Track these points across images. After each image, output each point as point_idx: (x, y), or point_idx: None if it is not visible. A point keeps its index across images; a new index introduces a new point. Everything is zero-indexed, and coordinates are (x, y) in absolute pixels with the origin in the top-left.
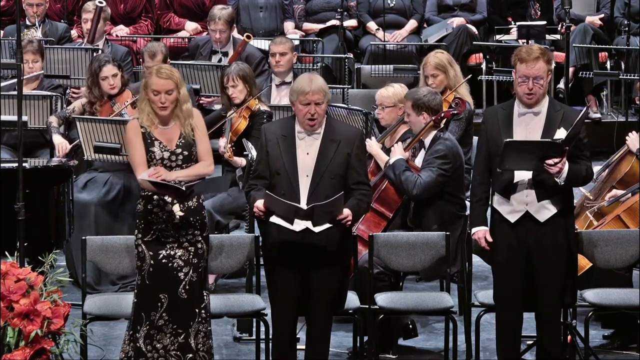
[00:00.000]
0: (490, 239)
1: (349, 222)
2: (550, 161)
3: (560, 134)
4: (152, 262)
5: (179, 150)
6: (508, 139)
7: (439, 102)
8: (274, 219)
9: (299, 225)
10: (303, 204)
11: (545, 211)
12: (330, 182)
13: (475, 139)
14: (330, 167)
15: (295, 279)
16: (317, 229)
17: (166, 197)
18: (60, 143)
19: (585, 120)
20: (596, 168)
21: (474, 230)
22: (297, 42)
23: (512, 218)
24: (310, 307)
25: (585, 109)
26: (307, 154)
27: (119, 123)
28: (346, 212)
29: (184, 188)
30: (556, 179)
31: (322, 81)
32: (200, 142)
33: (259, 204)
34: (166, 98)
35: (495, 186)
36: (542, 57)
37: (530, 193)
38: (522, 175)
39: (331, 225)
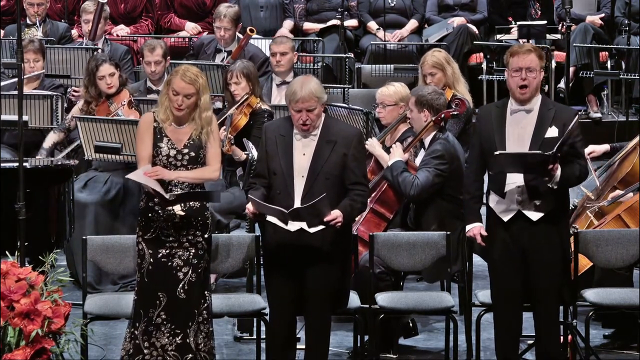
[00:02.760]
0: (485, 234)
1: (339, 223)
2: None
3: (552, 132)
4: (151, 260)
5: (185, 151)
6: (497, 152)
7: (442, 102)
8: (270, 218)
9: (293, 225)
10: (297, 205)
11: (538, 210)
12: (326, 183)
13: None
14: (325, 167)
15: (293, 279)
16: (312, 230)
17: None
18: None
19: (583, 120)
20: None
21: (468, 227)
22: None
23: (505, 217)
24: (308, 307)
25: (577, 116)
26: (304, 154)
27: (119, 123)
28: (335, 213)
29: (167, 196)
30: (549, 185)
31: (314, 85)
32: (211, 147)
33: (249, 206)
34: (183, 101)
35: (490, 185)
36: (534, 51)
37: (523, 192)
38: (516, 175)
39: (324, 226)
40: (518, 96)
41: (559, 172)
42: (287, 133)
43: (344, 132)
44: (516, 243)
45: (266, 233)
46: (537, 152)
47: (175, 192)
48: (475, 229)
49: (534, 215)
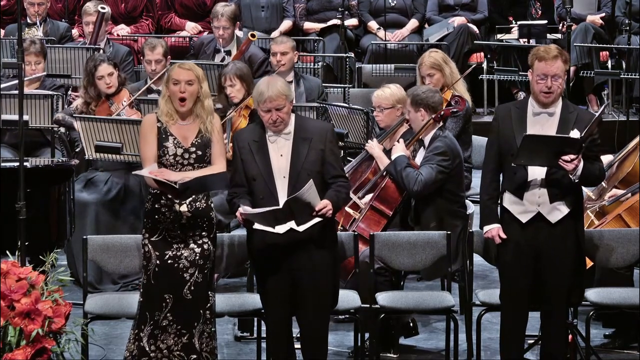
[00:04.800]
0: (504, 236)
1: (330, 212)
2: (566, 157)
3: (574, 135)
4: (157, 262)
5: (192, 149)
6: (528, 133)
7: (437, 100)
8: (257, 225)
9: (282, 227)
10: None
11: (557, 212)
12: (307, 180)
13: (474, 137)
14: (305, 165)
15: (285, 280)
16: (301, 228)
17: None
18: None
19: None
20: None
21: (486, 228)
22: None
23: (524, 218)
24: (306, 306)
25: (602, 109)
26: (281, 155)
27: (120, 122)
28: (324, 202)
29: (177, 186)
30: (570, 176)
31: (280, 85)
32: (216, 143)
33: (239, 214)
34: (186, 88)
35: (507, 185)
36: (560, 57)
37: (542, 194)
38: (535, 175)
39: (314, 220)
40: (542, 100)
41: (581, 164)
42: (260, 138)
43: (318, 128)
44: (531, 244)
45: (254, 239)
46: (567, 135)
47: (184, 180)
48: (494, 230)
49: (553, 217)
